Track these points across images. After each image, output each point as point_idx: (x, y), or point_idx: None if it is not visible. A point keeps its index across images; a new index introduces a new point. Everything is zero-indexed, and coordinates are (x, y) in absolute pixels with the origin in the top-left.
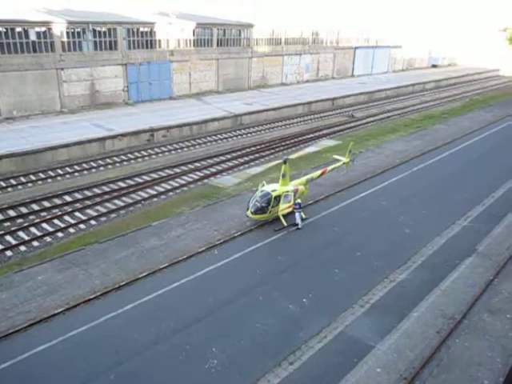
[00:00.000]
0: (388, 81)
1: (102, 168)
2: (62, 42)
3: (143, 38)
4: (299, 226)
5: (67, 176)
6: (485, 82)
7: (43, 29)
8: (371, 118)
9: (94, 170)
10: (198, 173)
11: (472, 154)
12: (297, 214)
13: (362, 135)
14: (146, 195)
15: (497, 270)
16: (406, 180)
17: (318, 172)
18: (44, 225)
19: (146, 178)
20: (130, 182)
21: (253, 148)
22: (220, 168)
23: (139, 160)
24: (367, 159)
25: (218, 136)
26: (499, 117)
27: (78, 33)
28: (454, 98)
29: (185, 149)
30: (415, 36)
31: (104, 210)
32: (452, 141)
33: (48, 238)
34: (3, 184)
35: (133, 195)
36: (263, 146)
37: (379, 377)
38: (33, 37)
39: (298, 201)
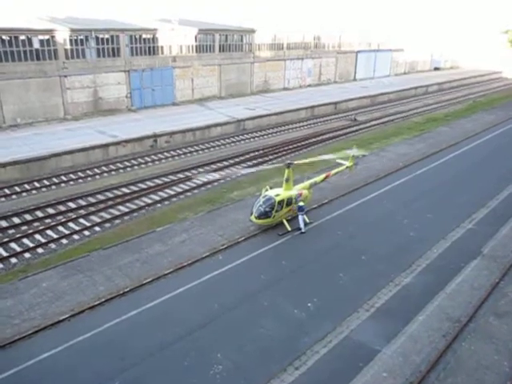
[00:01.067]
0: (390, 84)
1: (105, 174)
2: (65, 50)
3: (146, 44)
4: (303, 230)
5: (71, 183)
6: (487, 84)
7: (46, 37)
8: (374, 122)
9: (97, 177)
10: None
11: (476, 157)
12: (300, 218)
13: (365, 139)
14: (149, 201)
15: (502, 273)
16: (410, 183)
17: (322, 176)
18: (48, 232)
19: (149, 183)
20: (133, 187)
21: (256, 153)
22: (223, 173)
23: (143, 166)
24: (370, 163)
25: (221, 141)
26: (502, 119)
27: (81, 40)
28: (457, 101)
29: (188, 154)
30: (417, 39)
31: (108, 216)
32: (455, 143)
33: (52, 245)
34: (8, 191)
35: (136, 201)
36: (266, 150)
37: (385, 381)
38: (36, 45)
39: (301, 204)
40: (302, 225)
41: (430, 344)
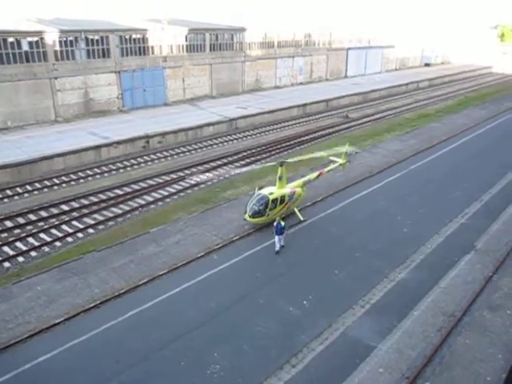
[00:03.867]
0: (382, 81)
1: (98, 176)
2: (55, 51)
3: (136, 44)
4: (277, 249)
5: (63, 185)
6: (478, 79)
7: (35, 38)
8: (366, 119)
9: (90, 179)
10: (194, 178)
11: (468, 151)
12: (277, 238)
13: (358, 136)
14: (143, 202)
15: (496, 266)
16: (403, 179)
17: (315, 174)
18: (41, 235)
19: (142, 184)
20: (126, 189)
21: (248, 152)
22: (217, 173)
23: (135, 167)
24: (363, 159)
25: (214, 141)
26: (494, 113)
27: (71, 41)
28: (448, 96)
29: (181, 154)
30: (407, 35)
31: (101, 218)
32: (447, 138)
33: (46, 248)
34: None
35: (130, 202)
36: (259, 149)
37: (382, 377)
38: (25, 47)
39: (282, 224)
40: (277, 245)
41: (425, 339)
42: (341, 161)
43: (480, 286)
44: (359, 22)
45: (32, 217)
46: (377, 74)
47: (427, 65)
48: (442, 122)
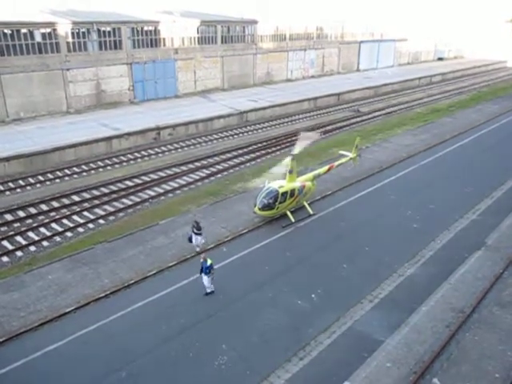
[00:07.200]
0: (394, 75)
1: (109, 167)
2: (67, 43)
3: (148, 36)
4: (207, 291)
5: (75, 176)
6: (492, 73)
7: (48, 30)
8: (377, 113)
9: (101, 170)
10: (204, 170)
11: (480, 147)
12: (205, 279)
13: (369, 130)
14: (153, 194)
15: (506, 263)
16: (414, 174)
17: (325, 167)
18: (53, 225)
19: (152, 176)
20: (137, 180)
21: (259, 145)
22: (226, 165)
23: (146, 159)
24: (374, 154)
25: (224, 133)
26: (507, 108)
27: (83, 33)
28: (461, 91)
29: (191, 147)
30: (421, 29)
31: (112, 209)
32: (459, 134)
33: (57, 238)
34: (12, 185)
35: (140, 194)
36: (269, 142)
37: (389, 371)
38: (38, 38)
39: (209, 263)
40: (207, 285)
41: (434, 335)
42: (351, 155)
43: (490, 283)
44: (372, 15)
45: (44, 207)
46: (389, 68)
47: (440, 59)
48: (454, 116)
